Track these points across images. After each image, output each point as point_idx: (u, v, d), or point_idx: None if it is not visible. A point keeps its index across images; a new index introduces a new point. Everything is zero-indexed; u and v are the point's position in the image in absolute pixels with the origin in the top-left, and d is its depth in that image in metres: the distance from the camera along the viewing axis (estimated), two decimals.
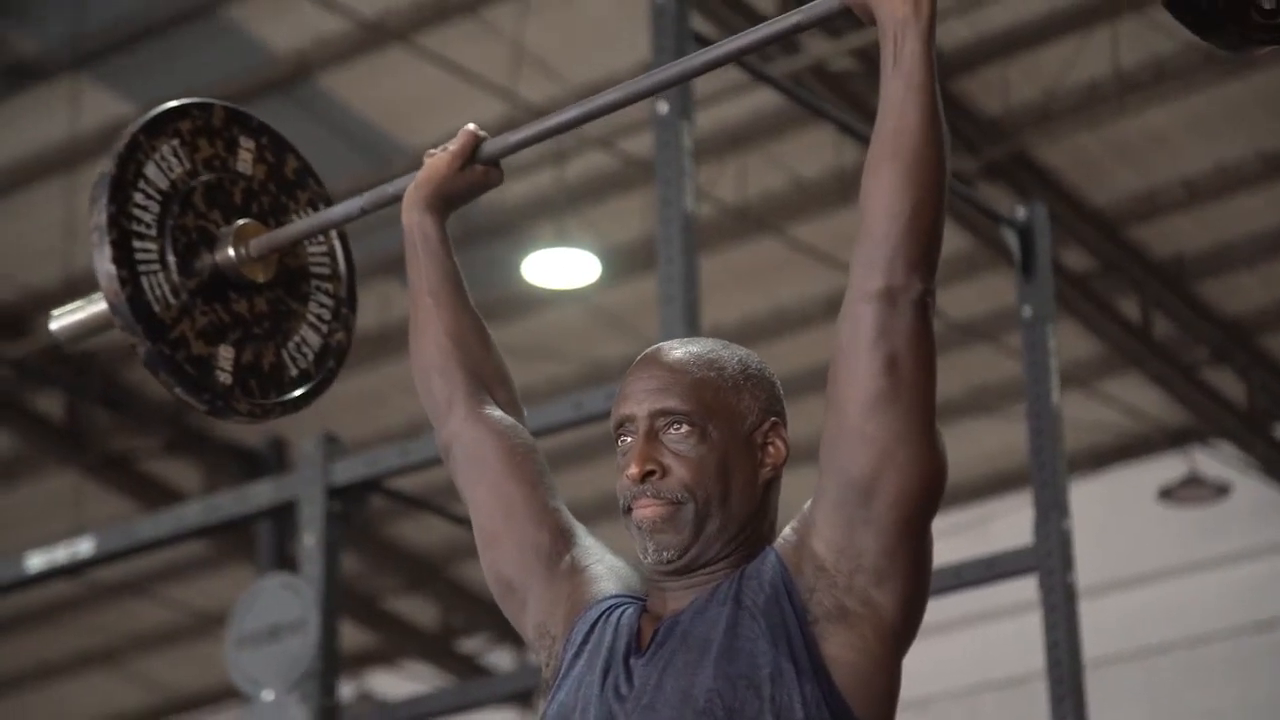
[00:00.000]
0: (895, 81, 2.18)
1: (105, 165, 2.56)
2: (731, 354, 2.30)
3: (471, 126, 2.59)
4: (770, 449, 2.27)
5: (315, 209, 2.77)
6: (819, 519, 2.18)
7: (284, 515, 6.18)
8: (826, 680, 2.13)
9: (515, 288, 9.45)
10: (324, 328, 2.75)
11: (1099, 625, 8.07)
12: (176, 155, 2.63)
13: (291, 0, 8.03)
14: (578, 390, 7.40)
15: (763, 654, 2.14)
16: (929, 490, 2.16)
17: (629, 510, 2.24)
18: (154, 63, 8.29)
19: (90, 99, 8.45)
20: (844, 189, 8.86)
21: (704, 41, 4.84)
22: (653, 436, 2.24)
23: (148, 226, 2.57)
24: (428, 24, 8.24)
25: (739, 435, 2.25)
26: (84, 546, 6.11)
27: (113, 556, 6.29)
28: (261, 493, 5.95)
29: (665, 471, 2.22)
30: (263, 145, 2.74)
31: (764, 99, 8.40)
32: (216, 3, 8.20)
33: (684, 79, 2.51)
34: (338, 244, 2.79)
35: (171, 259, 2.58)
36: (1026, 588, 5.21)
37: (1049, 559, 5.00)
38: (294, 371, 2.70)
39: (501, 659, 12.31)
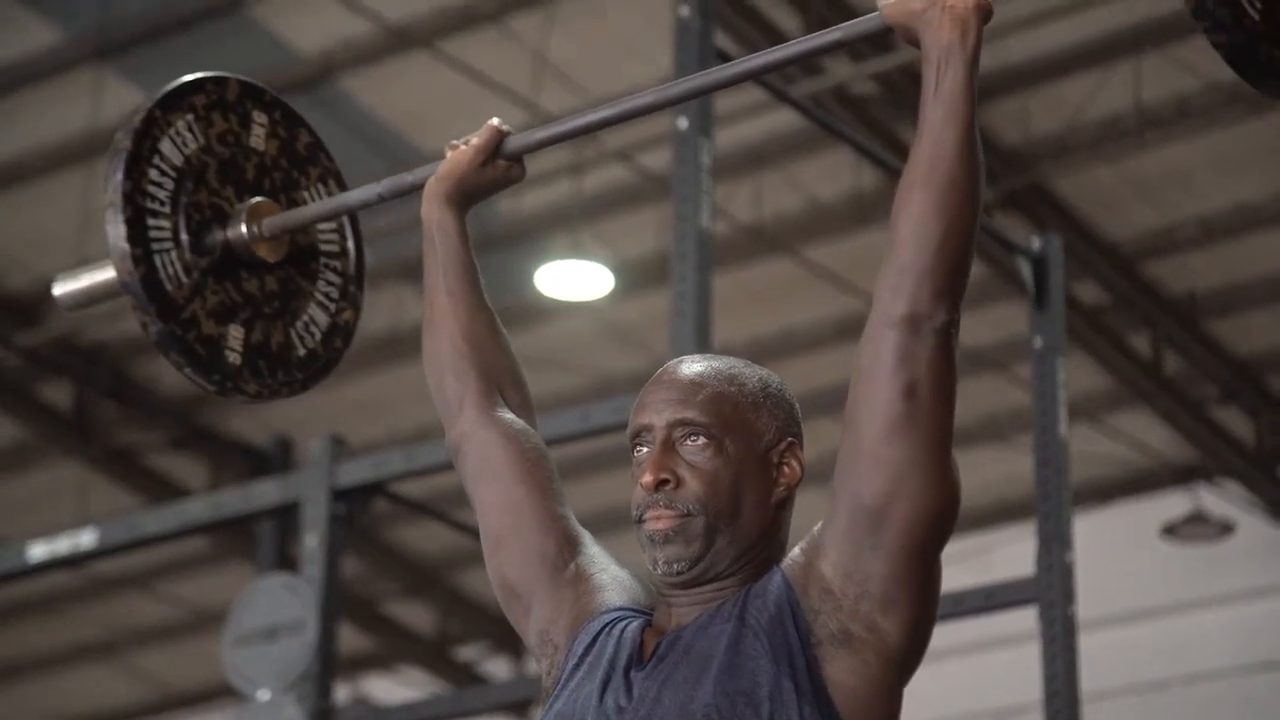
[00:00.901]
0: (935, 108, 2.17)
1: (122, 141, 2.55)
2: (753, 372, 2.30)
3: (495, 121, 2.57)
4: (785, 469, 2.26)
5: (326, 185, 2.77)
6: (828, 541, 2.17)
7: (287, 515, 6.18)
8: (827, 703, 2.13)
9: (527, 298, 9.46)
10: (332, 306, 2.74)
11: (1097, 659, 8.06)
12: (191, 131, 2.62)
13: (317, 1, 8.05)
14: (585, 402, 7.41)
15: (764, 673, 2.14)
16: (940, 519, 2.15)
17: (641, 521, 2.23)
18: (177, 58, 8.31)
19: (112, 91, 8.47)
20: (860, 213, 8.85)
21: (726, 58, 4.84)
22: (669, 447, 2.24)
23: (162, 204, 2.56)
24: (452, 30, 8.25)
25: (755, 452, 2.25)
26: (86, 538, 6.12)
27: (115, 549, 6.30)
28: (266, 492, 5.95)
29: (679, 482, 2.22)
30: (275, 120, 2.74)
31: (783, 119, 8.40)
32: (242, 0, 8.22)
33: (724, 85, 2.50)
34: (346, 221, 2.78)
35: (185, 237, 2.57)
36: (1026, 618, 5.20)
37: (1050, 590, 4.99)
38: (301, 351, 2.69)
39: (498, 668, 12.29)
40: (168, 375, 10.36)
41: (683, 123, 4.73)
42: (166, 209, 2.56)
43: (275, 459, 10.17)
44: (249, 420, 10.74)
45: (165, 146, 2.58)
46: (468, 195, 2.56)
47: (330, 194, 2.76)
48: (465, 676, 12.22)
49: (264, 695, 5.44)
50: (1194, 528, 10.71)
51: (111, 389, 10.42)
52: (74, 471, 10.89)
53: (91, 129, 8.57)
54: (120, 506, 10.67)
